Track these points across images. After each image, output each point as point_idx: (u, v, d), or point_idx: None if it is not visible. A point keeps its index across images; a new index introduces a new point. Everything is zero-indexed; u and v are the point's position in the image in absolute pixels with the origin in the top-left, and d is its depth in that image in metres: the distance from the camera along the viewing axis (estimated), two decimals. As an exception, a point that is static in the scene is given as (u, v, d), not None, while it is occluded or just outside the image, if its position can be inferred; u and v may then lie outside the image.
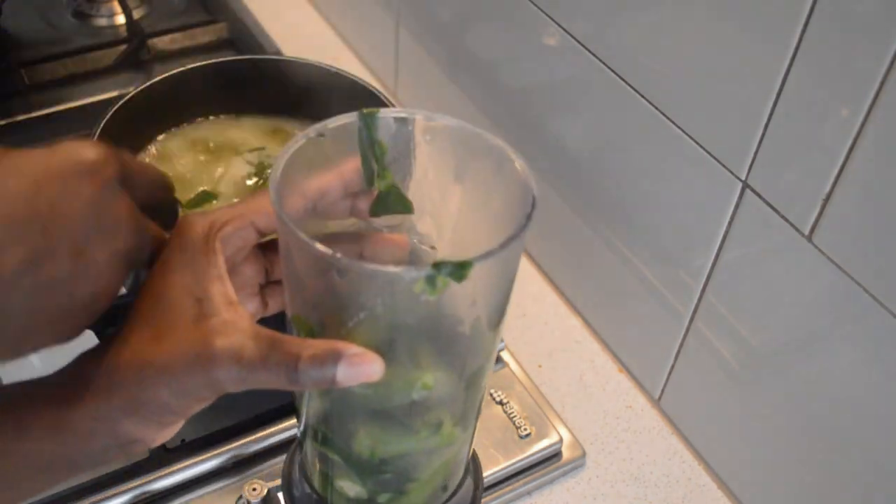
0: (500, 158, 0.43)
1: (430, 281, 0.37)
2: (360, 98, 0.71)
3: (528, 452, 0.66)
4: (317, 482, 0.52)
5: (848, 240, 0.50)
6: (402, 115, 0.45)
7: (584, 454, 0.68)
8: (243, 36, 1.01)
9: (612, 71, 0.64)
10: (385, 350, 0.41)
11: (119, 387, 0.40)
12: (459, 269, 0.37)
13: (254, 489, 0.59)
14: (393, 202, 0.47)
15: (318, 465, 0.50)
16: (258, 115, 0.76)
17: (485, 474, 0.64)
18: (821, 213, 0.51)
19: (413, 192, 0.47)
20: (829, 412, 0.56)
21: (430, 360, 0.44)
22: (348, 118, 0.44)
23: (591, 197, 0.72)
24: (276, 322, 0.45)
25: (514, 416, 0.67)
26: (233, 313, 0.41)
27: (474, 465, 0.58)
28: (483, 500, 0.64)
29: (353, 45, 1.07)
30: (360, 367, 0.38)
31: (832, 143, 0.49)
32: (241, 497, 0.60)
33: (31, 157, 0.38)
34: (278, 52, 0.98)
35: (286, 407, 0.66)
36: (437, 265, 0.37)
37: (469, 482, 0.56)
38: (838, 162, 0.49)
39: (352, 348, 0.38)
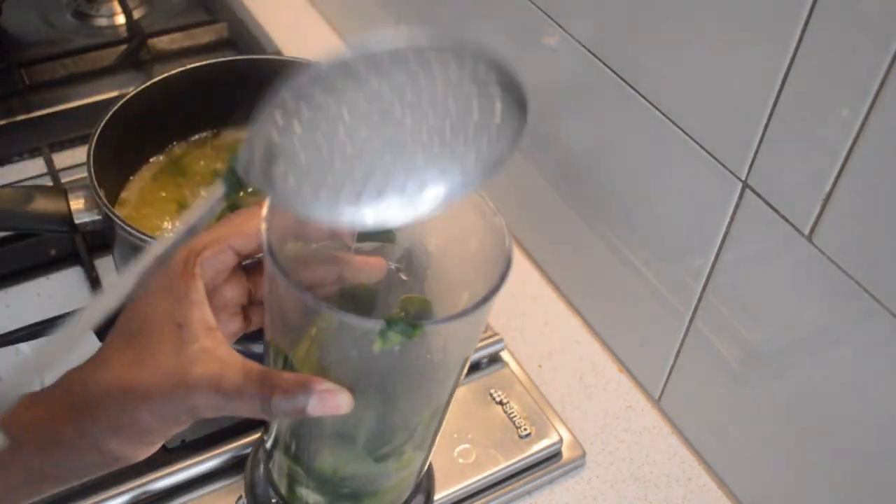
0: (483, 209, 0.46)
1: (384, 335, 0.40)
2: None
3: (528, 452, 0.66)
4: (283, 487, 0.54)
5: (848, 240, 0.50)
6: None
7: (584, 454, 0.68)
8: (243, 36, 1.01)
9: (612, 71, 0.64)
10: (354, 385, 0.43)
11: (103, 409, 0.42)
12: (411, 329, 0.39)
13: (254, 489, 0.59)
14: (378, 231, 0.49)
15: (285, 472, 0.53)
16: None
17: (485, 474, 0.64)
18: (821, 213, 0.51)
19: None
20: (829, 412, 0.56)
21: (397, 395, 0.46)
22: None
23: (591, 197, 0.72)
24: (256, 337, 0.47)
25: (514, 416, 0.67)
26: (211, 340, 0.42)
27: (427, 479, 0.59)
28: (483, 500, 0.64)
29: (353, 45, 1.07)
30: (329, 402, 0.40)
31: (832, 143, 0.49)
32: (240, 497, 0.60)
33: None
34: (278, 52, 0.99)
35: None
36: (391, 321, 0.39)
37: (420, 498, 0.57)
38: (838, 162, 0.49)
39: (322, 384, 0.40)
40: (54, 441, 0.42)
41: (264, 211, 0.42)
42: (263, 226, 0.42)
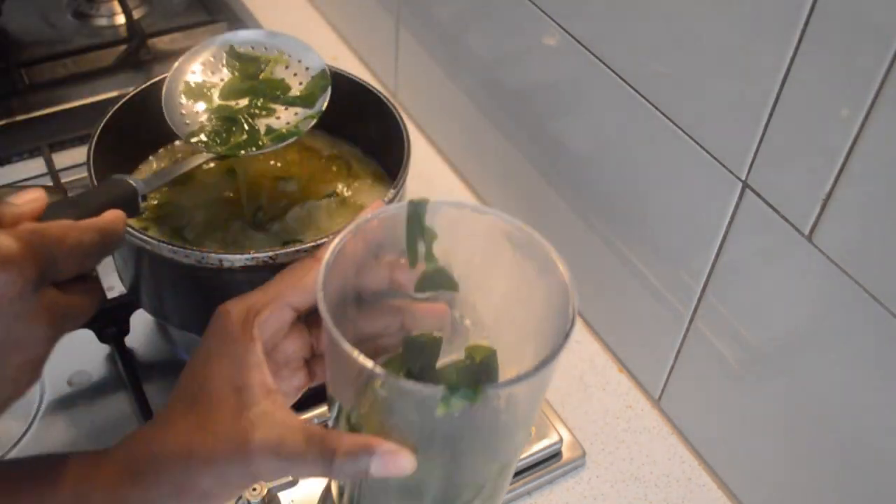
0: (545, 261, 0.45)
1: (446, 401, 0.39)
2: (360, 98, 0.71)
3: (528, 452, 0.66)
4: None
5: (848, 240, 0.50)
6: (453, 205, 0.47)
7: (584, 454, 0.68)
8: (243, 36, 1.01)
9: (612, 71, 0.64)
10: (418, 444, 0.42)
11: (166, 473, 0.42)
12: (472, 394, 0.39)
13: (254, 489, 0.59)
14: (439, 280, 0.49)
15: None
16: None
17: (485, 474, 0.64)
18: (821, 213, 0.51)
19: (459, 272, 0.49)
20: (829, 412, 0.56)
21: (462, 454, 0.45)
22: (397, 208, 0.47)
23: (591, 197, 0.72)
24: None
25: (514, 416, 0.67)
26: (271, 403, 0.43)
27: None
28: (483, 500, 0.64)
29: (353, 45, 1.07)
30: (392, 463, 0.40)
31: (832, 143, 0.49)
32: (240, 497, 0.60)
33: None
34: (278, 52, 0.98)
35: (286, 407, 0.66)
36: (452, 388, 0.39)
37: None
38: (838, 162, 0.49)
39: (384, 445, 0.40)
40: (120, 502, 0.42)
41: (321, 275, 0.42)
42: (320, 290, 0.42)
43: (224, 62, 0.66)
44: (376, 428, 0.43)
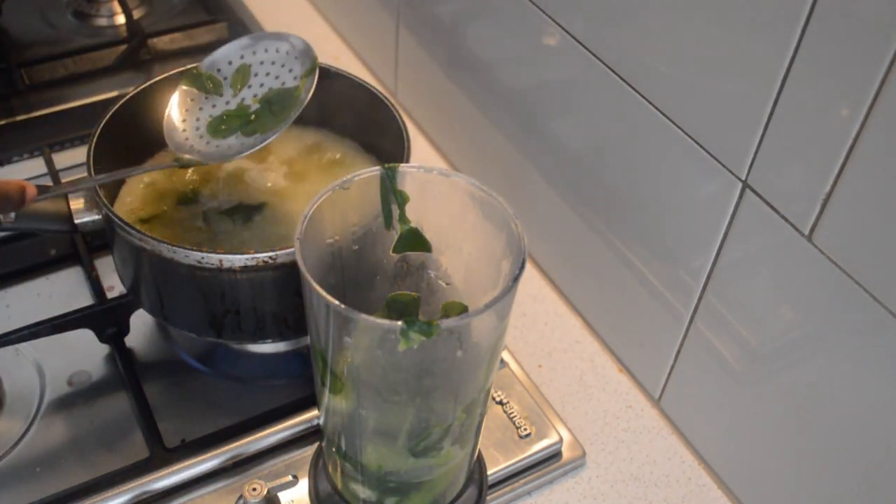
0: (504, 217, 0.49)
1: (405, 335, 0.43)
2: (361, 98, 0.71)
3: (528, 452, 0.66)
4: (338, 481, 0.58)
5: (848, 240, 0.50)
6: (422, 169, 0.52)
7: (584, 454, 0.68)
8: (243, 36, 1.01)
9: (612, 71, 0.64)
10: (387, 383, 0.47)
11: None
12: (428, 328, 0.43)
13: (254, 489, 0.59)
14: (414, 241, 0.54)
15: (338, 467, 0.57)
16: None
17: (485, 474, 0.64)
18: (821, 213, 0.51)
19: (432, 235, 0.54)
20: (829, 412, 0.56)
21: (427, 392, 0.49)
22: (371, 172, 0.51)
23: (591, 197, 0.72)
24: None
25: (514, 416, 0.67)
26: None
27: (480, 471, 0.60)
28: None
29: (353, 45, 1.07)
30: None
31: (832, 143, 0.49)
32: (241, 497, 0.60)
33: None
34: (278, 52, 0.98)
35: (286, 407, 0.66)
36: (409, 322, 0.43)
37: (472, 490, 0.59)
38: (838, 162, 0.49)
39: None
40: None
41: (299, 226, 0.47)
42: (297, 239, 0.46)
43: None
44: (350, 373, 0.48)
